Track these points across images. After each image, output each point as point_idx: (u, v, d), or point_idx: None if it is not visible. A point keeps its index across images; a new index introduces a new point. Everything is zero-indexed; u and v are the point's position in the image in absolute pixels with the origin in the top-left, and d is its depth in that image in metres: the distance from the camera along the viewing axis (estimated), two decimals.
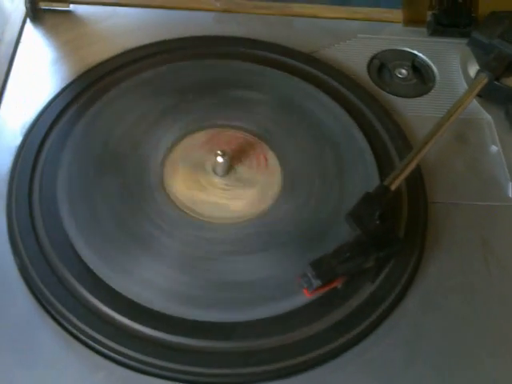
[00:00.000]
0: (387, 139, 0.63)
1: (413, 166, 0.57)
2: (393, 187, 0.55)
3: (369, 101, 0.67)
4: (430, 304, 0.53)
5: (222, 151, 0.58)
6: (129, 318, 0.49)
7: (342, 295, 0.51)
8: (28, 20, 0.73)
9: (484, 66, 0.66)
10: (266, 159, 0.61)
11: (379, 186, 0.55)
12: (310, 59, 0.71)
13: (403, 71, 0.71)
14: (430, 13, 0.75)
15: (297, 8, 0.78)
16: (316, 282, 0.47)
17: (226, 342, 0.49)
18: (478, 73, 0.66)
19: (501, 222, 0.59)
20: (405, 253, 0.54)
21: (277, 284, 0.52)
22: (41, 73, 0.67)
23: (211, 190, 0.58)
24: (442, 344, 0.51)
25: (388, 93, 0.69)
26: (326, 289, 0.49)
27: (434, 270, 0.55)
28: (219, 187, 0.59)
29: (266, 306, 0.51)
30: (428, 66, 0.72)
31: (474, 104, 0.66)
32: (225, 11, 0.76)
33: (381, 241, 0.50)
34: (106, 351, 0.48)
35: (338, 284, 0.50)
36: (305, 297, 0.49)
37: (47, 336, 0.49)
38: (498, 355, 0.51)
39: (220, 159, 0.58)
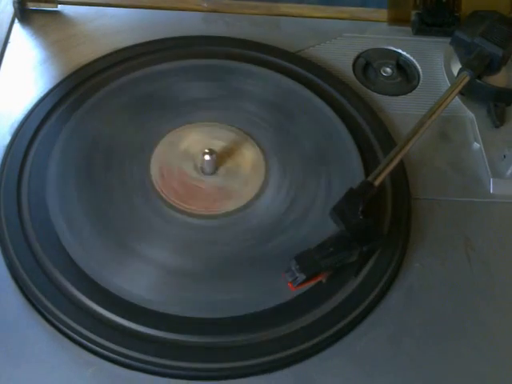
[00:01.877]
0: (372, 136, 0.64)
1: (396, 162, 0.57)
2: (376, 183, 0.55)
3: (354, 99, 0.67)
4: (412, 299, 0.54)
5: (209, 149, 0.58)
6: (117, 315, 0.50)
7: (326, 290, 0.52)
8: (16, 20, 0.73)
9: (465, 65, 0.66)
10: (253, 156, 0.61)
11: (363, 182, 0.55)
12: (296, 58, 0.71)
13: (388, 70, 0.72)
14: (414, 12, 0.76)
15: (284, 8, 0.78)
16: (300, 276, 0.48)
17: (213, 337, 0.50)
18: (459, 71, 0.67)
19: (482, 218, 0.60)
20: (388, 248, 0.55)
21: (261, 280, 0.53)
22: (29, 73, 0.68)
23: (198, 188, 0.59)
24: (425, 339, 0.52)
25: (373, 91, 0.70)
26: (311, 283, 0.50)
27: (416, 265, 0.56)
28: (206, 184, 0.59)
29: (251, 302, 0.51)
30: (412, 65, 0.73)
31: (457, 102, 0.67)
32: (212, 11, 0.77)
33: (363, 236, 0.51)
34: (94, 347, 0.49)
35: (322, 278, 0.51)
36: (289, 292, 0.50)
37: (36, 333, 0.50)
38: (480, 349, 0.51)
39: (207, 157, 0.58)
